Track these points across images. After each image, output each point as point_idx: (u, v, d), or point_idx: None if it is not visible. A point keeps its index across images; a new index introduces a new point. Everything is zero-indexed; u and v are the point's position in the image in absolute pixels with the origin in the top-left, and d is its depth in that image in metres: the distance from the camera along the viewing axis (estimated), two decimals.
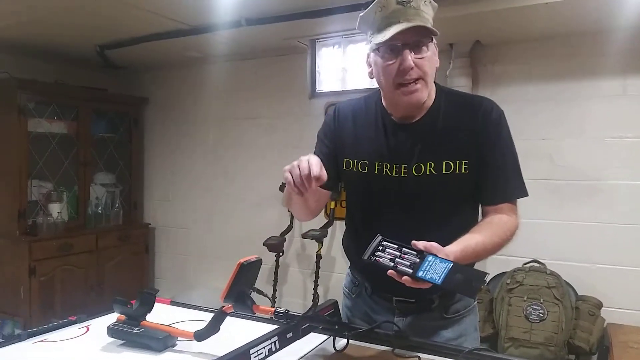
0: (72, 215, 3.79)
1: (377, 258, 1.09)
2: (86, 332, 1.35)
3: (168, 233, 4.33)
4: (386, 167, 1.31)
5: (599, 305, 2.61)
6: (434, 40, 1.26)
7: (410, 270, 1.04)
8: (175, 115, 4.25)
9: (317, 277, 3.38)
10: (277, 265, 3.50)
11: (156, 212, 4.39)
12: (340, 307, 1.43)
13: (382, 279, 1.24)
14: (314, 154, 1.40)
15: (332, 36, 3.45)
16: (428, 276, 1.02)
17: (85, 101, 3.81)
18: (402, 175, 1.29)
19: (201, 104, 4.10)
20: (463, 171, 1.26)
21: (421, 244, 1.07)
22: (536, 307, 2.59)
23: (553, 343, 2.51)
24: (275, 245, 3.41)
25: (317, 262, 3.38)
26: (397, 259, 1.07)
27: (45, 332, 1.33)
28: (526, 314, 2.60)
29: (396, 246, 1.10)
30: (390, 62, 1.22)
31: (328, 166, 1.27)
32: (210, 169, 4.08)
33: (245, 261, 1.12)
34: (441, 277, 1.02)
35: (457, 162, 1.26)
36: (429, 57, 1.23)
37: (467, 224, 1.25)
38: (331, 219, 3.40)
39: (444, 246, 1.09)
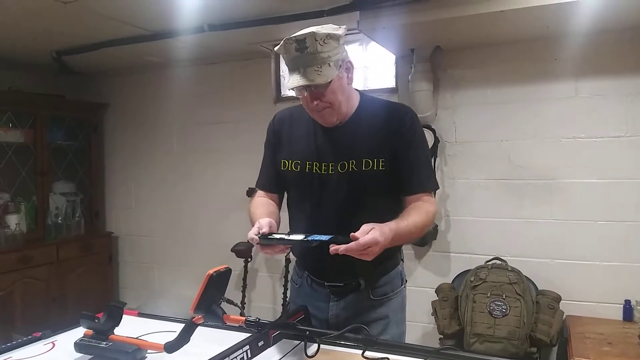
0: (30, 226, 3.67)
1: (269, 236, 1.30)
2: (52, 348, 1.33)
3: (131, 241, 4.24)
4: (315, 166, 1.50)
5: (557, 298, 2.72)
6: (341, 68, 1.41)
7: (303, 236, 1.26)
8: (137, 120, 4.17)
9: (286, 281, 3.38)
10: (246, 271, 3.49)
11: (119, 220, 4.30)
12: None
13: (317, 267, 1.57)
14: (263, 163, 1.68)
15: None
16: (317, 238, 1.24)
17: (41, 108, 3.70)
18: (330, 172, 1.49)
19: (164, 109, 4.04)
20: (380, 168, 1.46)
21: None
22: (499, 303, 2.68)
23: (516, 337, 2.60)
24: (243, 251, 3.39)
25: (286, 267, 3.39)
26: (286, 236, 1.29)
27: (10, 350, 1.29)
28: (490, 309, 2.68)
29: (284, 234, 1.32)
30: (301, 97, 1.44)
31: (275, 174, 1.60)
32: (174, 175, 4.03)
33: (214, 272, 1.12)
34: (327, 237, 1.23)
35: (375, 160, 1.46)
36: (333, 89, 1.40)
37: (388, 215, 1.39)
38: None
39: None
